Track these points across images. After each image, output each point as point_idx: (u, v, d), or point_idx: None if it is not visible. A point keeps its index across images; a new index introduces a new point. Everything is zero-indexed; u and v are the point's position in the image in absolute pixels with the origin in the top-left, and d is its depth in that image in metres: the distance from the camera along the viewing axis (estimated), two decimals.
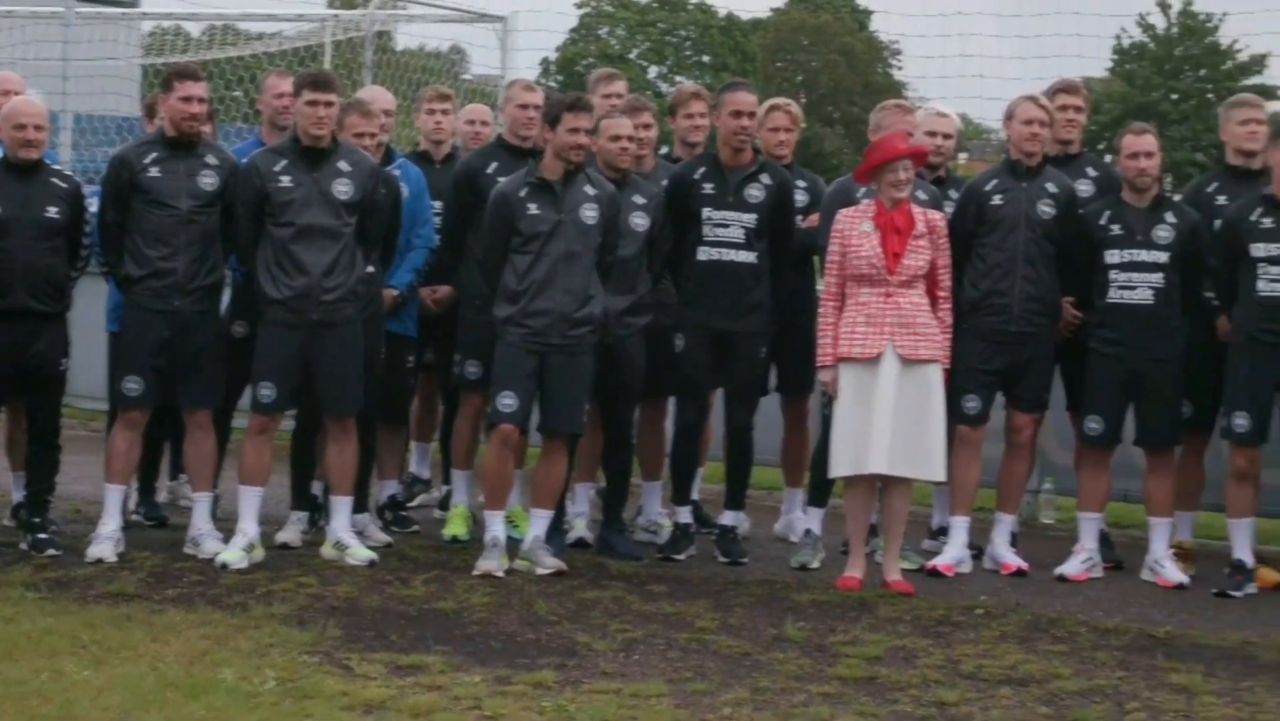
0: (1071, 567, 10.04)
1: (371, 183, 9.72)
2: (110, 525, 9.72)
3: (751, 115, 10.21)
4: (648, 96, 14.82)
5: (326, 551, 9.74)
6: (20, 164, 9.62)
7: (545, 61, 68.35)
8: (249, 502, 9.68)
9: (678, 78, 71.54)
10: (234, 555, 9.47)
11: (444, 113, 11.16)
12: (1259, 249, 9.68)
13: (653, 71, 75.29)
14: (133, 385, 9.67)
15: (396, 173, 10.35)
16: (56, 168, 10.05)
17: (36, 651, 7.50)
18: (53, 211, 9.62)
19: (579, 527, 10.49)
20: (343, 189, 9.60)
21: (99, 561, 9.46)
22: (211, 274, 9.75)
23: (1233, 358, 9.84)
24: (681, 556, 10.18)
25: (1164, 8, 65.31)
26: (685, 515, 10.39)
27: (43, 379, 9.75)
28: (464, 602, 8.80)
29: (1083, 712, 7.13)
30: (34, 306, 9.59)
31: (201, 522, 9.85)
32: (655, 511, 10.87)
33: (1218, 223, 10.04)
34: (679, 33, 76.33)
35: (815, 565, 10.05)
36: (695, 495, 10.79)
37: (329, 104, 9.63)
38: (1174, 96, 64.50)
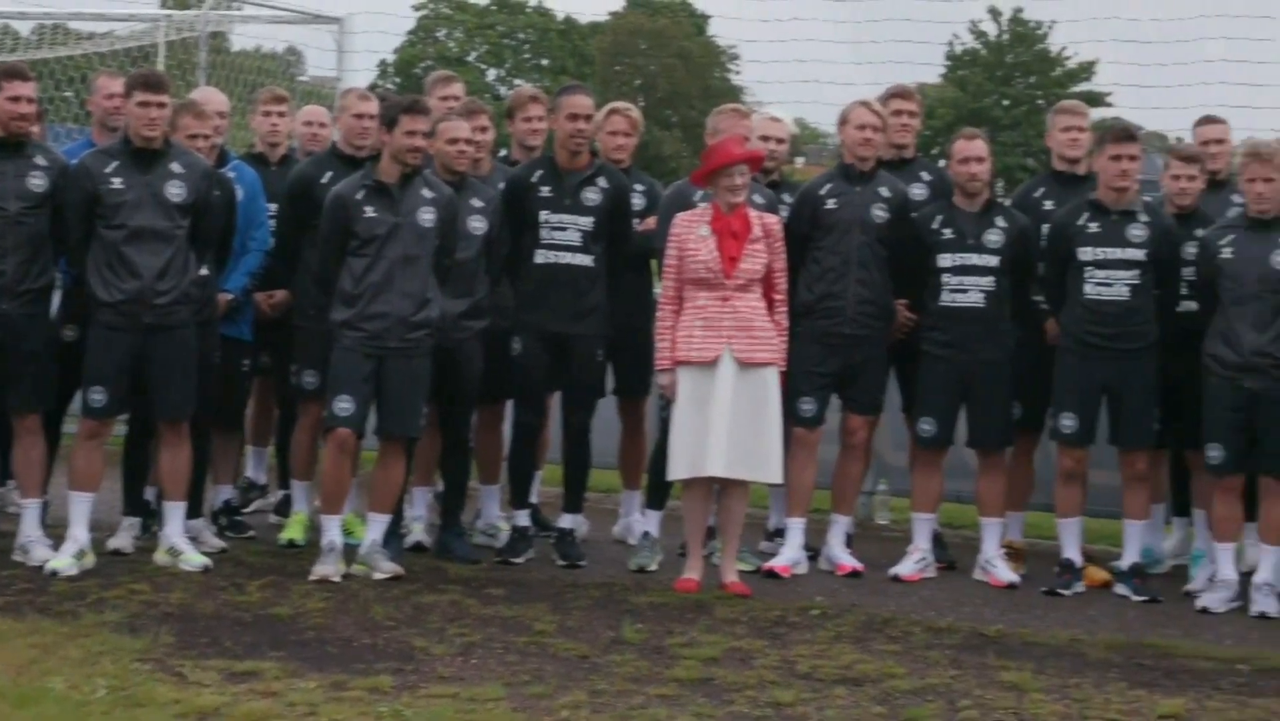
0: (905, 568, 10.16)
1: (205, 185, 9.61)
2: None
3: (588, 118, 10.23)
4: (486, 99, 14.83)
5: (159, 557, 9.60)
6: None
7: (383, 64, 68.01)
8: (79, 508, 9.51)
9: (516, 80, 71.49)
10: (64, 562, 9.31)
11: (279, 115, 11.06)
12: (1085, 252, 9.87)
13: (491, 74, 75.15)
14: None
15: (231, 175, 10.25)
16: None
17: None
18: None
19: (416, 531, 10.44)
20: (175, 191, 9.47)
21: None
22: (41, 276, 9.58)
23: (1061, 360, 10.02)
24: (520, 559, 10.18)
25: (995, 15, 66.40)
26: (523, 518, 10.39)
27: None
28: (300, 608, 8.73)
29: (916, 711, 7.21)
30: None
31: (30, 529, 9.67)
32: (493, 514, 10.85)
33: (1046, 227, 10.22)
34: (517, 35, 76.26)
35: (653, 567, 10.09)
36: (533, 498, 10.79)
37: (161, 105, 9.50)
38: (1005, 102, 65.62)
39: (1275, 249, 9.42)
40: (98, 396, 9.47)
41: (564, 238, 10.06)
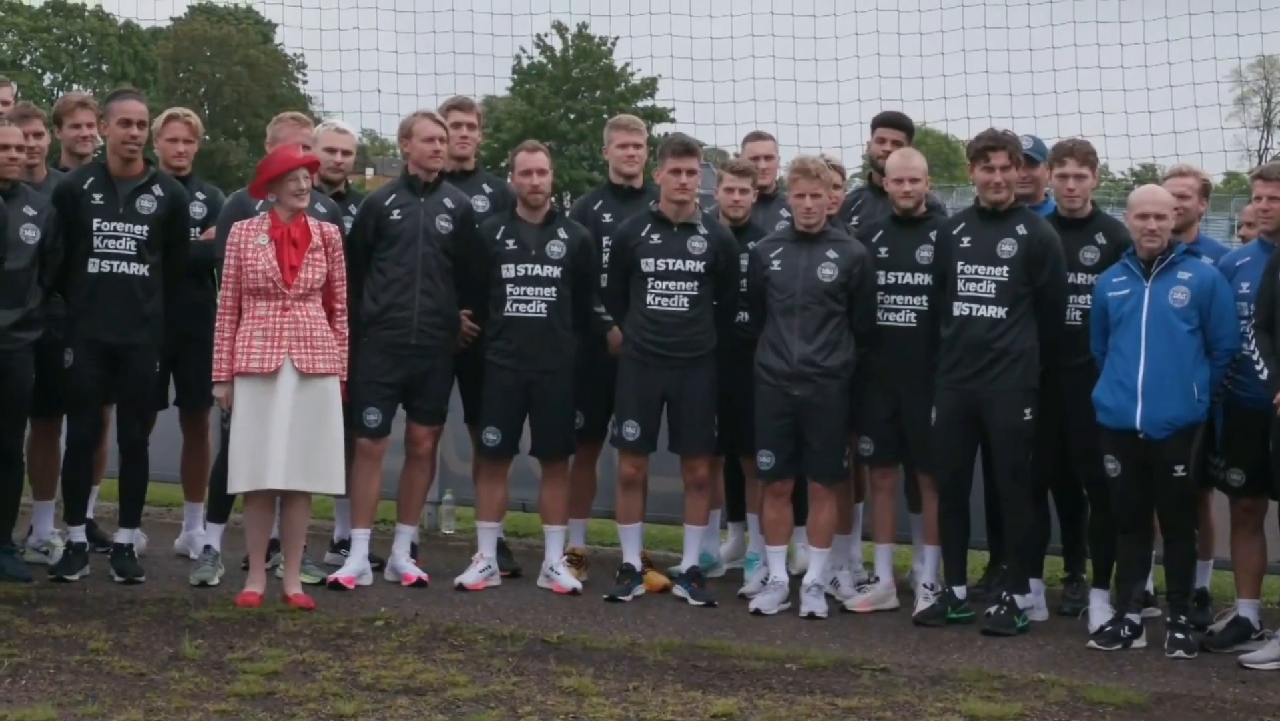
0: (470, 577, 10.21)
1: None
2: None
3: (141, 124, 9.99)
4: (43, 105, 14.34)
5: None
6: None
7: None
8: None
9: (75, 86, 69.47)
10: None
11: None
12: (648, 264, 10.08)
13: (48, 79, 72.81)
14: None
15: None
16: None
17: None
18: None
19: None
20: None
21: None
22: None
23: (623, 368, 10.20)
24: (75, 577, 9.88)
25: (561, 30, 67.19)
26: (79, 534, 10.09)
27: None
28: None
29: (478, 718, 7.25)
30: None
31: None
32: (47, 531, 10.54)
33: (606, 239, 10.41)
34: (75, 40, 74.07)
35: (215, 581, 9.92)
36: (90, 513, 10.50)
37: None
38: (572, 116, 66.43)
39: (821, 261, 9.79)
40: None
41: (118, 246, 9.80)
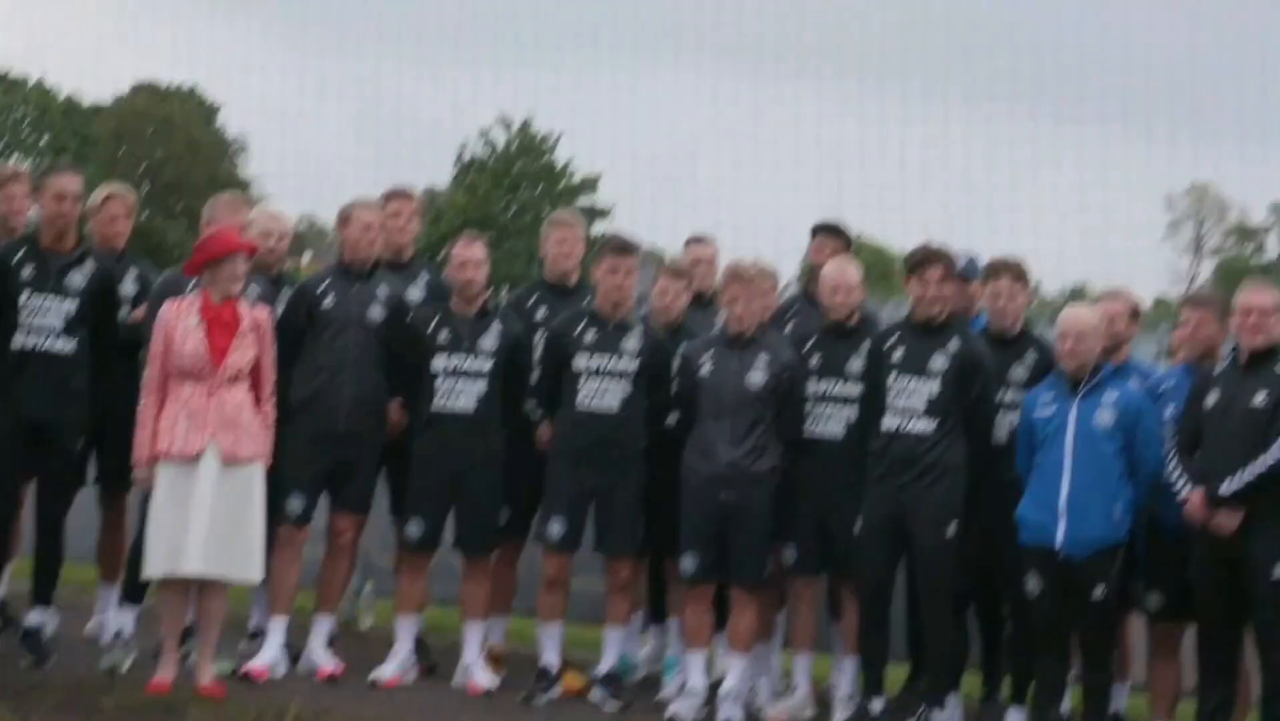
0: (386, 671, 10.09)
1: None
2: None
3: (76, 200, 9.92)
4: None
5: None
6: None
7: None
8: None
9: (16, 155, 69.12)
10: None
11: None
12: (581, 361, 10.05)
13: None
14: None
15: None
16: None
17: None
18: None
19: None
20: None
21: None
22: None
23: (552, 465, 10.15)
24: None
25: (505, 124, 67.50)
26: None
27: None
28: None
29: None
30: None
31: None
32: None
33: (539, 335, 10.38)
34: (16, 111, 73.81)
35: (125, 667, 9.77)
36: (1, 593, 10.32)
37: None
38: (513, 210, 66.58)
39: (750, 368, 9.80)
40: None
41: (45, 321, 9.72)
